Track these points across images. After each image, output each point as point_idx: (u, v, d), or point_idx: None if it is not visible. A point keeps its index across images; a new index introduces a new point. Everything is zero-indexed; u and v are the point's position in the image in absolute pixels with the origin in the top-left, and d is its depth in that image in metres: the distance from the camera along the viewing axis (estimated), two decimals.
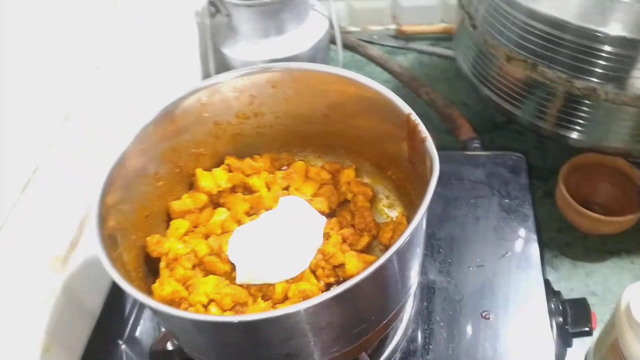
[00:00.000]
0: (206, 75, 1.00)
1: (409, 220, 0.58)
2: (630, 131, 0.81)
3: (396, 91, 0.54)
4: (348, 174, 0.66)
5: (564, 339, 0.62)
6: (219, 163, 0.67)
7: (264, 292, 0.57)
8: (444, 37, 1.19)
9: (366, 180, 0.67)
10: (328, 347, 0.48)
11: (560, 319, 0.63)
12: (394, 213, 0.64)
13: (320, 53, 0.98)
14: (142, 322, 0.68)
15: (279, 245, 0.56)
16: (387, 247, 0.61)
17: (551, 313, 0.62)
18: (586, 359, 0.67)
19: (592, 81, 0.74)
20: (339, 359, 0.51)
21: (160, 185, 0.61)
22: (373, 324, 0.50)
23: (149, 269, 0.59)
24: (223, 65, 0.98)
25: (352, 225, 0.63)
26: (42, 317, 0.59)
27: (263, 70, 0.61)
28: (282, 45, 0.92)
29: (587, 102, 0.77)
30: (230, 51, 0.96)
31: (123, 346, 0.66)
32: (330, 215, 0.63)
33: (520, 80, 0.84)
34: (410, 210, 0.61)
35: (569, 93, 0.78)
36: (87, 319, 0.67)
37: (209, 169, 0.66)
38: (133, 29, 0.75)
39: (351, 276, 0.57)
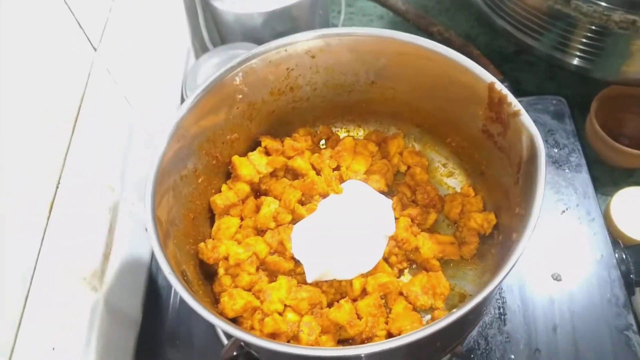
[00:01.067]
0: (195, 32, 0.89)
1: (479, 191, 0.55)
2: None
3: (398, 29, 0.48)
4: (398, 143, 0.60)
5: (629, 289, 0.61)
6: (253, 146, 0.60)
7: (336, 287, 0.52)
8: None
9: (417, 147, 0.62)
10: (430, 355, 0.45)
11: (624, 268, 0.62)
12: (454, 182, 0.60)
13: None
14: (183, 320, 0.63)
15: (348, 236, 0.51)
16: (455, 223, 0.57)
17: (618, 264, 0.61)
18: None
19: (633, 13, 0.70)
20: None
21: (201, 182, 0.54)
22: (454, 340, 0.47)
23: (203, 274, 0.53)
24: (214, 22, 0.87)
25: (413, 202, 0.58)
26: (92, 341, 0.53)
27: (302, 40, 0.53)
28: None
29: (618, 33, 0.73)
30: (222, 3, 0.85)
31: (168, 348, 0.61)
32: (387, 193, 0.58)
33: (542, 11, 0.78)
34: (477, 180, 0.57)
35: (600, 25, 0.74)
36: (130, 328, 0.62)
37: (244, 154, 0.59)
38: None
39: (426, 260, 0.53)
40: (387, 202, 0.55)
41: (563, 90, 0.89)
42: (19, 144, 0.43)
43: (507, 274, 0.39)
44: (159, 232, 0.42)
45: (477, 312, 0.45)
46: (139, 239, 0.65)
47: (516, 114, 0.44)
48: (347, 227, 0.52)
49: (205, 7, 0.87)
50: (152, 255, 0.68)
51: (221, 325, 0.39)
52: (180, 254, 0.47)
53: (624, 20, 0.71)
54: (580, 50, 0.79)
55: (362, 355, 0.36)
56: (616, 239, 0.69)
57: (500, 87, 0.45)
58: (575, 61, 0.79)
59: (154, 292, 0.66)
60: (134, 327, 0.63)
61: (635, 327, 0.57)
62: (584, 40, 0.77)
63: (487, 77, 0.46)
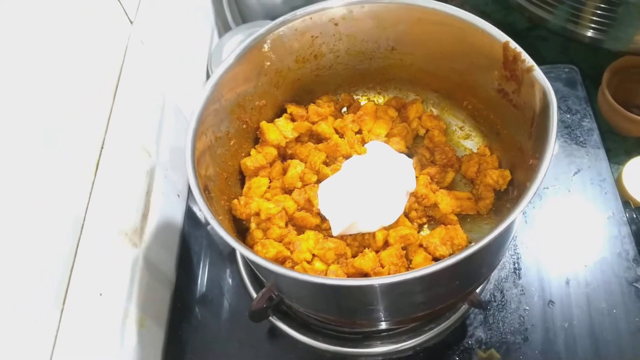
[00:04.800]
0: (218, 12, 0.93)
1: (495, 150, 0.58)
2: None
3: None
4: (417, 108, 0.63)
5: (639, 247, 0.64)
6: (279, 113, 0.64)
7: (359, 241, 0.56)
8: None
9: (435, 112, 0.65)
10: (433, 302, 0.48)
11: (634, 228, 0.64)
12: (470, 144, 0.63)
13: None
14: (214, 281, 0.67)
15: (371, 192, 0.55)
16: (472, 181, 0.60)
17: (629, 223, 0.63)
18: None
19: None
20: (446, 307, 0.52)
21: (233, 144, 0.58)
22: (471, 282, 0.50)
23: (236, 229, 0.57)
24: (236, 1, 0.91)
25: (432, 162, 0.61)
26: (133, 293, 0.58)
27: (324, 9, 0.56)
28: None
29: (631, 2, 0.75)
30: None
31: (199, 306, 0.65)
32: (407, 154, 0.61)
33: None
34: (493, 140, 0.60)
35: None
36: (167, 286, 0.66)
37: (271, 120, 0.62)
38: None
39: (445, 215, 0.56)
40: (408, 161, 0.58)
41: (576, 63, 0.91)
42: (68, 107, 0.48)
43: (520, 211, 0.42)
44: (198, 181, 0.46)
45: (486, 256, 0.48)
46: (173, 204, 0.70)
47: (529, 69, 0.47)
48: (370, 184, 0.55)
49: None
50: (185, 219, 0.72)
51: (261, 262, 0.42)
52: (217, 207, 0.51)
53: None
54: (593, 22, 0.82)
55: (377, 285, 0.40)
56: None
57: (515, 45, 0.48)
58: (589, 33, 0.81)
59: (187, 254, 0.70)
60: (169, 285, 0.67)
61: None
62: (597, 11, 0.79)
63: (502, 36, 0.49)
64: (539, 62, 0.87)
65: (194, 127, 0.49)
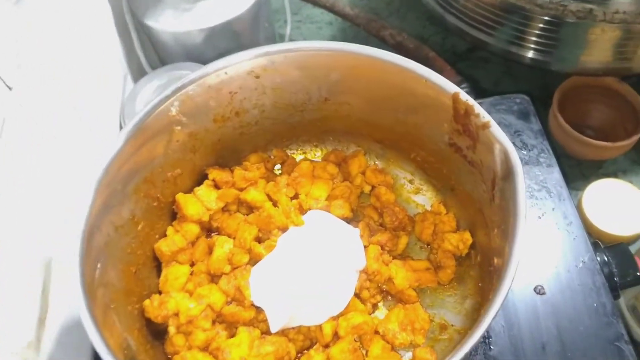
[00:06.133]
0: (130, 55, 0.82)
1: (450, 208, 0.50)
2: (616, 49, 0.76)
3: (348, 36, 0.43)
4: (359, 162, 0.55)
5: (614, 293, 0.58)
6: (199, 180, 0.54)
7: (304, 333, 0.47)
8: None
9: (380, 164, 0.57)
10: None
11: (607, 271, 0.59)
12: (422, 199, 0.55)
13: (264, 7, 0.82)
14: None
15: (314, 275, 0.46)
16: (429, 245, 0.52)
17: (601, 268, 0.57)
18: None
19: (589, 2, 0.68)
20: None
21: (141, 229, 0.48)
22: None
23: (151, 333, 0.47)
24: (150, 43, 0.81)
25: (381, 225, 0.53)
26: None
27: (242, 60, 0.47)
28: (217, 6, 0.75)
29: (575, 23, 0.71)
30: (156, 22, 0.78)
31: None
32: (353, 218, 0.53)
33: (495, 6, 0.76)
34: (447, 196, 0.52)
35: (556, 16, 0.72)
36: None
37: (190, 190, 0.53)
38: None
39: (401, 291, 0.48)
40: (354, 232, 0.49)
41: (521, 85, 0.87)
42: None
43: (499, 309, 0.34)
44: (85, 290, 0.36)
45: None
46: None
47: (485, 125, 0.40)
48: (312, 264, 0.46)
49: (138, 28, 0.80)
50: None
51: None
52: (121, 319, 0.41)
53: (581, 9, 0.69)
54: (537, 43, 0.77)
55: None
56: (594, 238, 0.66)
57: (466, 98, 0.41)
58: (532, 54, 0.77)
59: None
60: None
61: (626, 337, 0.54)
62: (540, 32, 0.75)
63: (450, 87, 0.42)
64: (484, 86, 0.81)
65: (83, 228, 0.39)
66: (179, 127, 0.49)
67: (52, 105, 0.56)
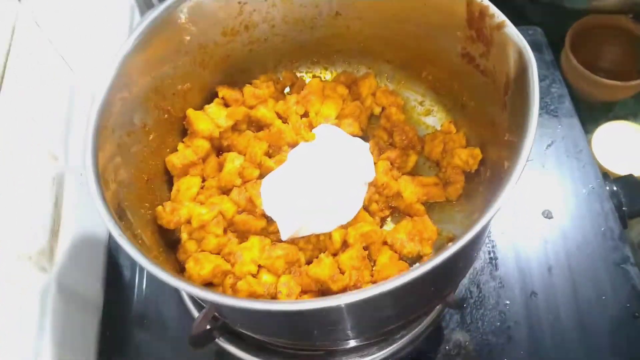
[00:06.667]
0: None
1: (460, 127, 0.50)
2: None
3: None
4: (370, 84, 0.55)
5: (622, 222, 0.58)
6: (210, 97, 0.54)
7: (313, 243, 0.47)
8: None
9: (390, 86, 0.57)
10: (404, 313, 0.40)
11: (615, 201, 0.59)
12: (433, 120, 0.55)
13: None
14: (151, 300, 0.58)
15: (324, 186, 0.46)
16: (438, 164, 0.52)
17: (610, 197, 0.57)
18: None
19: None
20: (418, 316, 0.44)
21: (152, 139, 0.48)
22: (445, 288, 0.43)
23: (164, 242, 0.48)
24: None
25: (391, 144, 0.53)
26: (46, 328, 0.47)
27: None
28: None
29: None
30: None
31: (136, 331, 0.56)
32: (362, 137, 0.53)
33: None
34: (458, 114, 0.52)
35: None
36: (91, 312, 0.56)
37: (200, 107, 0.53)
38: None
39: (410, 205, 0.49)
40: (364, 146, 0.49)
41: (535, 25, 0.85)
42: None
43: (501, 205, 0.34)
44: (102, 189, 0.36)
45: (467, 254, 0.41)
46: (93, 214, 0.59)
47: (500, 25, 0.39)
48: (322, 176, 0.47)
49: None
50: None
51: (185, 287, 0.34)
52: (135, 218, 0.41)
53: None
54: None
55: (343, 305, 0.31)
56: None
57: None
58: None
59: (115, 272, 0.60)
60: (95, 311, 0.57)
61: (632, 259, 0.54)
62: None
63: None
64: None
65: (95, 123, 0.39)
66: (188, 37, 0.48)
67: (63, 26, 0.56)
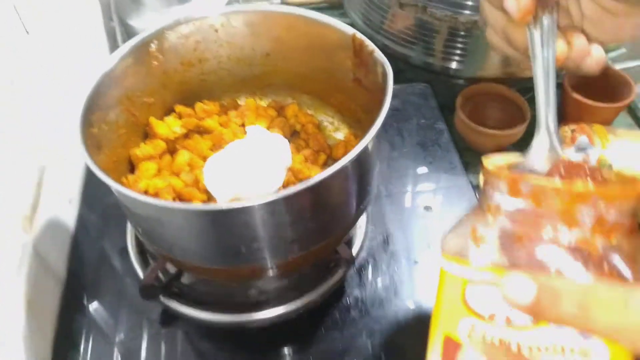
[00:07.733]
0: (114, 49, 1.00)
1: (358, 136, 0.68)
2: (501, 58, 0.98)
3: None
4: (293, 109, 0.73)
5: None
6: (168, 112, 0.70)
7: None
8: (328, 7, 1.26)
9: (309, 112, 0.75)
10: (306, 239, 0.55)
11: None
12: (340, 135, 0.73)
13: None
14: (107, 280, 0.69)
15: (252, 168, 0.62)
16: None
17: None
18: None
19: (473, 15, 0.89)
20: (319, 251, 0.58)
21: (122, 134, 0.63)
22: (339, 221, 0.58)
23: None
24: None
25: (306, 147, 0.70)
26: (19, 279, 0.58)
27: (205, 16, 0.66)
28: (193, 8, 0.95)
29: (466, 34, 0.93)
30: (138, 22, 0.97)
31: (93, 305, 0.66)
32: None
33: (411, 23, 0.97)
34: (357, 128, 0.70)
35: (452, 28, 0.93)
36: (55, 283, 0.67)
37: (160, 118, 0.69)
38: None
39: None
40: (285, 141, 0.66)
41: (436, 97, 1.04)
42: None
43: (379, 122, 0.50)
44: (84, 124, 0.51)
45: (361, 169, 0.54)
46: (64, 207, 0.72)
47: (372, 51, 0.58)
48: (251, 161, 0.62)
49: (122, 29, 0.98)
50: (77, 227, 0.74)
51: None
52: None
53: (468, 21, 0.90)
54: (444, 53, 0.98)
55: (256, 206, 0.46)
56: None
57: (360, 35, 0.60)
58: (442, 62, 0.97)
59: (82, 254, 0.72)
60: (58, 283, 0.67)
61: None
62: (445, 42, 0.96)
63: (350, 29, 0.61)
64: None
65: (83, 109, 0.54)
66: (155, 63, 0.65)
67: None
